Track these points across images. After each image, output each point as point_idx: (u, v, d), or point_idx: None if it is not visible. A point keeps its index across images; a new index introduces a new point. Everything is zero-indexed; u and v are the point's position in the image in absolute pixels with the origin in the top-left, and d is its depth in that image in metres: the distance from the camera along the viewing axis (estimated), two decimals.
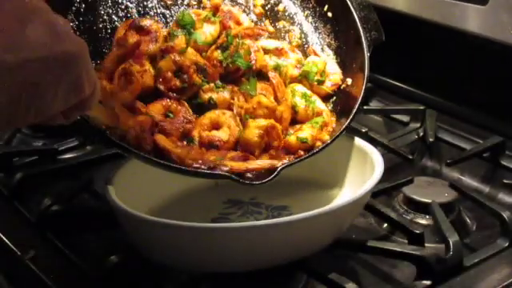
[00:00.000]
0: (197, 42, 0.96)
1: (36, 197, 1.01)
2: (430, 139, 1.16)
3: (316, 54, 1.03)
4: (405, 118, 1.29)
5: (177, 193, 0.98)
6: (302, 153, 0.90)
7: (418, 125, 1.24)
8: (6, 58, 0.58)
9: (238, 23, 1.02)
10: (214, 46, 0.97)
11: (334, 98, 1.00)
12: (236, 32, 0.98)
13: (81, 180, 1.07)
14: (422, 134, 1.19)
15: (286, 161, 0.88)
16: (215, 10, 1.02)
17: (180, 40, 0.95)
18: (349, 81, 0.99)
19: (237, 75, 0.96)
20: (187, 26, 0.97)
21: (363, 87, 0.95)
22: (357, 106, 0.94)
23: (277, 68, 0.99)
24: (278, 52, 1.01)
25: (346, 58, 1.02)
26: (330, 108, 0.99)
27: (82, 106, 0.67)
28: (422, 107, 1.26)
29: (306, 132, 0.92)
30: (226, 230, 0.78)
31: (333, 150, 0.98)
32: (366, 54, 0.98)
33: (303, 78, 0.99)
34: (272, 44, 1.02)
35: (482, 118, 1.23)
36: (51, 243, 0.94)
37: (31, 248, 0.91)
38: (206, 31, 0.98)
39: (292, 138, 0.92)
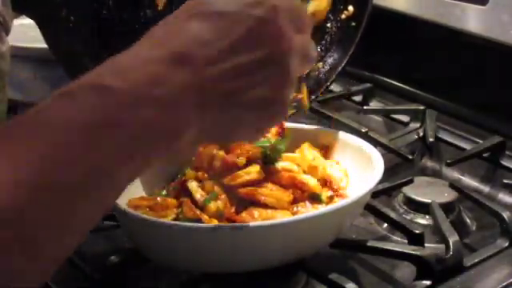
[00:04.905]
0: None
1: None
2: (430, 139, 1.16)
3: None
4: (405, 118, 1.28)
5: None
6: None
7: (418, 125, 1.23)
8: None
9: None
10: None
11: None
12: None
13: None
14: (421, 134, 1.19)
15: None
16: None
17: None
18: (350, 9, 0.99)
19: None
20: None
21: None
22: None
23: None
24: None
25: None
26: None
27: None
28: (422, 107, 1.26)
29: None
30: (223, 231, 0.77)
31: (332, 149, 0.99)
32: None
33: None
34: None
35: (482, 118, 1.23)
36: None
37: None
38: None
39: None
